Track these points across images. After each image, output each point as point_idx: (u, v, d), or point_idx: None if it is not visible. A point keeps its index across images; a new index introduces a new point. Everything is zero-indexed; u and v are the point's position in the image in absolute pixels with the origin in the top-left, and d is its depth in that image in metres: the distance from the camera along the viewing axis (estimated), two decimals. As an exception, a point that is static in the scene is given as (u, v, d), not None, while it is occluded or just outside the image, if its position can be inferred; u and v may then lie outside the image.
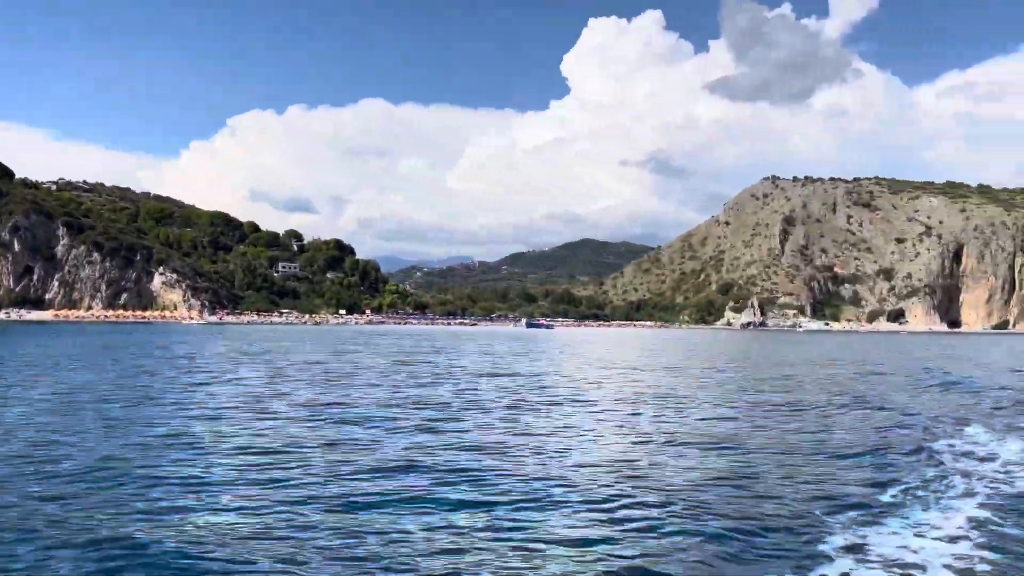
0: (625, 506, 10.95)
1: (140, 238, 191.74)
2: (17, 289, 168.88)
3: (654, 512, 10.60)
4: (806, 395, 28.06)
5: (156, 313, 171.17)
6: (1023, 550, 9.41)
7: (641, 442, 16.70)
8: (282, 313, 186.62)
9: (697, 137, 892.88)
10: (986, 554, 9.22)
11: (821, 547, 9.33)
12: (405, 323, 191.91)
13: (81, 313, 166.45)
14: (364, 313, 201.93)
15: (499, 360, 48.36)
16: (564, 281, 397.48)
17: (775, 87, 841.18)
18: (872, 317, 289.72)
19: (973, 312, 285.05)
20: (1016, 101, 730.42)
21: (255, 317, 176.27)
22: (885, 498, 11.83)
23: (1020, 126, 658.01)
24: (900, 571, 8.60)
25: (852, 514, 10.80)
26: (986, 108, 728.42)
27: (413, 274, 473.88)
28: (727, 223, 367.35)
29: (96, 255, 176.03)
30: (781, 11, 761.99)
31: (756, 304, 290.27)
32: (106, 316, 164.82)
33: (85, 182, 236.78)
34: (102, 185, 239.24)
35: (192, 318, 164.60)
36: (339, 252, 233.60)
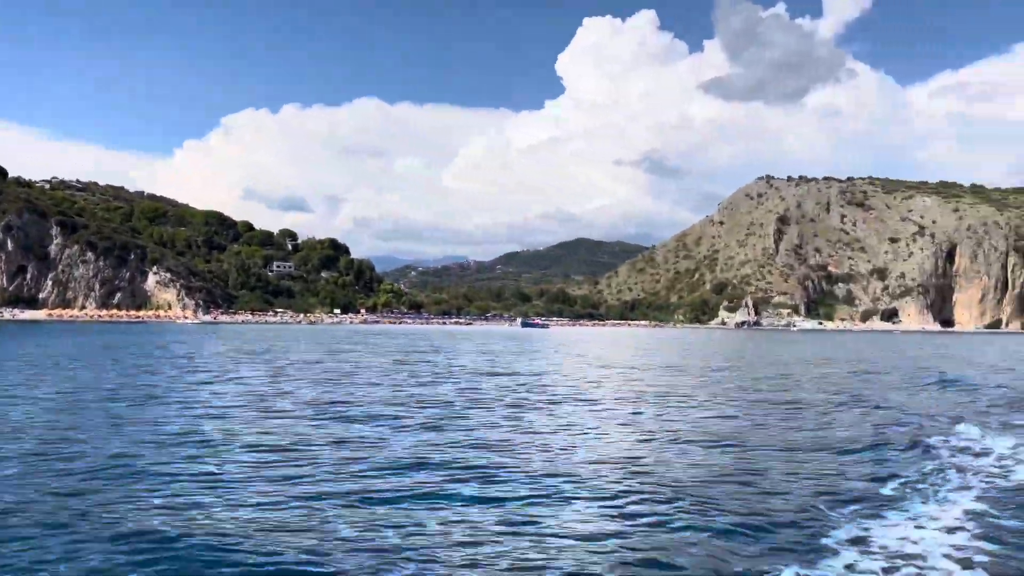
0: (634, 501, 11.24)
1: (134, 237, 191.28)
2: (10, 288, 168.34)
3: (663, 507, 10.90)
4: (804, 394, 28.44)
5: (150, 313, 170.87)
6: (1018, 540, 9.76)
7: (645, 440, 17.01)
8: (277, 312, 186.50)
9: (691, 137, 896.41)
10: (983, 544, 9.57)
11: (825, 541, 9.63)
12: (400, 322, 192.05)
13: (75, 312, 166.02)
14: (359, 312, 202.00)
15: (498, 359, 48.65)
16: (559, 280, 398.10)
17: (769, 87, 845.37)
18: (866, 316, 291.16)
19: (966, 311, 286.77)
20: (1008, 101, 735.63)
21: (249, 316, 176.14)
22: (886, 492, 12.21)
23: (1012, 126, 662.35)
24: (902, 562, 8.91)
25: (854, 507, 11.13)
26: (979, 108, 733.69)
27: (408, 273, 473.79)
28: (721, 223, 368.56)
29: (90, 254, 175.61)
30: (775, 11, 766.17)
31: (750, 303, 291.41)
32: (100, 316, 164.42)
33: (79, 181, 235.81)
34: (96, 184, 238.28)
35: (186, 317, 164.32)
36: (334, 251, 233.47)
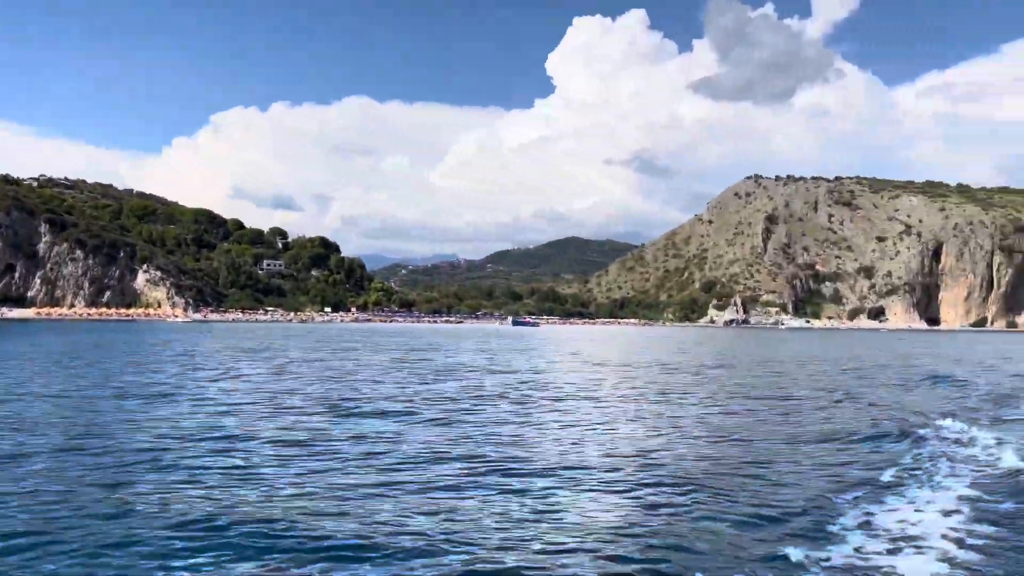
0: (652, 493, 11.85)
1: (123, 235, 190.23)
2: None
3: (680, 498, 11.51)
4: (800, 391, 29.19)
5: (140, 311, 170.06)
6: (1009, 522, 10.60)
7: (654, 434, 17.64)
8: (267, 311, 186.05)
9: (681, 136, 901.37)
10: (976, 526, 10.40)
11: (831, 527, 10.28)
12: (391, 321, 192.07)
13: (64, 311, 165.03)
14: (350, 311, 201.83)
15: (496, 357, 49.21)
16: (549, 279, 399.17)
17: (758, 87, 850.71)
18: (853, 315, 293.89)
19: (952, 310, 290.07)
20: (995, 102, 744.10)
21: (240, 315, 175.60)
22: (885, 479, 12.97)
23: (998, 126, 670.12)
24: (904, 543, 9.60)
25: (857, 494, 11.84)
26: (965, 108, 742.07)
27: (397, 272, 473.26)
28: (710, 222, 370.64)
29: (79, 252, 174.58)
30: (764, 11, 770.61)
31: (739, 302, 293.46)
32: (89, 314, 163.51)
33: (67, 179, 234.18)
34: (84, 182, 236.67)
35: (176, 316, 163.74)
36: (324, 250, 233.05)
